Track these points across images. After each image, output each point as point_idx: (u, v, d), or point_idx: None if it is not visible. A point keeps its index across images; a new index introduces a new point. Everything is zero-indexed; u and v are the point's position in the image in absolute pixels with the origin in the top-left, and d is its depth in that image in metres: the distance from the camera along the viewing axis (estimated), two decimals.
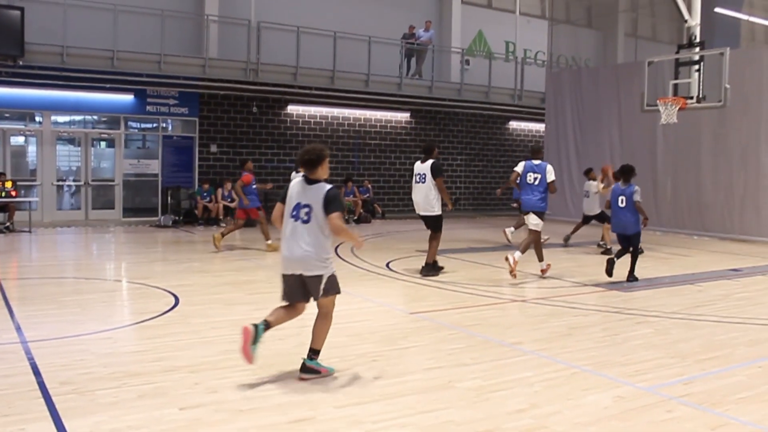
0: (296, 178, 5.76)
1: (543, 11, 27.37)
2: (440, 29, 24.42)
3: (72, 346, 6.49)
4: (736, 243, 16.63)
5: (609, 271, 10.56)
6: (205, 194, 18.55)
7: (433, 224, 11.03)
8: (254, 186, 13.83)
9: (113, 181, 18.94)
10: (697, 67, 14.82)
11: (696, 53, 14.91)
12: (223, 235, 13.53)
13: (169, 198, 18.83)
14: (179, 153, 19.55)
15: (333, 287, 5.69)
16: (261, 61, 19.57)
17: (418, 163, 11.05)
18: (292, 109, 21.01)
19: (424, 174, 10.86)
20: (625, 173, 10.88)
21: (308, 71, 20.35)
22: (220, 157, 19.93)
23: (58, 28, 17.33)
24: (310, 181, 5.64)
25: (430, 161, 10.89)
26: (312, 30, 20.24)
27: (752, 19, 30.12)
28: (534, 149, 11.90)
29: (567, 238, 15.49)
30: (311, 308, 5.87)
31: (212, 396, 5.17)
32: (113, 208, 18.96)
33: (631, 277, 10.82)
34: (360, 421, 4.76)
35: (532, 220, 11.06)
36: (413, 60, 22.95)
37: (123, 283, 10.47)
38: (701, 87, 14.65)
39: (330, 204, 5.49)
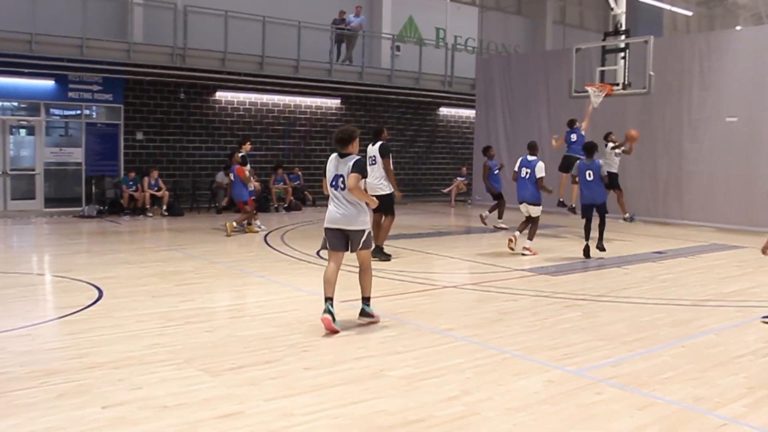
0: (333, 155, 7.03)
1: None
2: (371, 15, 24.29)
3: None
4: (660, 226, 17.08)
5: (587, 253, 11.80)
6: (131, 183, 18.04)
7: (384, 204, 10.77)
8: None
9: (34, 170, 18.24)
10: (622, 54, 15.13)
11: (621, 41, 15.22)
12: (239, 223, 14.33)
13: (93, 187, 18.26)
14: (104, 141, 18.96)
15: (369, 242, 7.02)
16: (188, 46, 19.09)
17: (369, 146, 11.09)
18: (221, 95, 20.61)
19: (375, 156, 10.93)
20: (589, 150, 11.94)
21: (237, 57, 19.97)
22: (146, 145, 19.41)
23: None
24: (342, 155, 6.94)
25: (379, 143, 10.97)
26: (240, 14, 19.86)
27: (674, 9, 30.97)
28: (530, 146, 12.78)
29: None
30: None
31: (137, 393, 5.00)
32: (34, 198, 18.25)
33: (601, 245, 11.85)
34: (290, 414, 4.67)
35: (532, 211, 12.35)
36: (343, 46, 22.76)
37: (44, 276, 10.07)
38: (627, 74, 14.96)
39: (353, 168, 6.79)
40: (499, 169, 15.92)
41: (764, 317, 7.50)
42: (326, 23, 21.99)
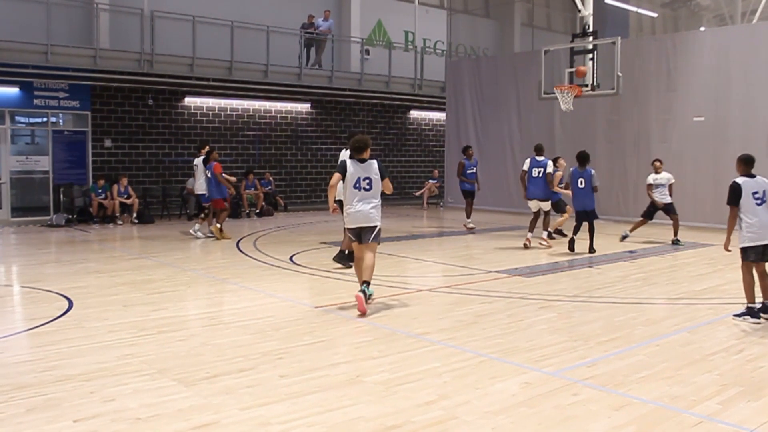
0: (348, 161, 8.04)
1: (441, 1, 27.60)
2: (339, 19, 24.24)
3: None
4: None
5: (571, 247, 12.54)
6: (100, 191, 17.80)
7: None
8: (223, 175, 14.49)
9: None
10: (590, 55, 15.26)
11: (589, 42, 15.34)
12: (219, 229, 14.32)
13: (61, 196, 17.99)
14: (71, 148, 18.68)
15: (378, 237, 8.15)
16: (156, 52, 18.89)
17: (343, 151, 11.13)
18: (190, 101, 20.43)
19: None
20: (582, 159, 12.61)
21: (205, 62, 19.80)
22: (115, 152, 19.18)
23: None
24: (361, 160, 7.99)
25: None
26: (208, 19, 19.71)
27: (639, 10, 31.33)
28: (537, 148, 13.57)
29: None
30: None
31: (109, 405, 4.90)
32: (0, 207, 17.95)
33: (592, 248, 12.52)
34: (266, 423, 4.61)
35: (544, 206, 13.37)
36: (313, 50, 22.69)
37: (11, 287, 9.87)
38: (595, 75, 15.09)
39: (383, 173, 8.11)
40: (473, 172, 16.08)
41: (735, 315, 7.58)
42: (295, 27, 21.90)
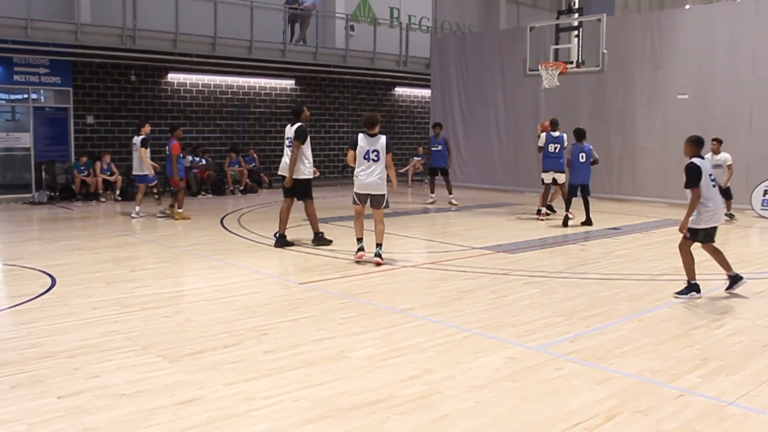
0: (360, 135, 9.27)
1: None
2: None
3: None
4: (615, 203, 17.32)
5: (566, 223, 13.03)
6: (82, 168, 17.65)
7: (302, 190, 10.55)
8: (182, 155, 14.24)
9: None
10: (576, 32, 15.22)
11: (575, 19, 15.30)
12: (174, 207, 13.97)
13: (43, 173, 17.81)
14: (53, 125, 18.48)
15: (387, 203, 9.38)
16: (138, 27, 18.64)
17: (287, 126, 10.63)
18: (173, 77, 20.23)
19: (291, 137, 10.45)
20: (580, 134, 13.14)
21: (188, 38, 19.57)
22: (97, 129, 18.99)
23: None
24: (371, 134, 9.19)
25: (297, 124, 10.42)
26: None
27: None
28: (553, 122, 14.03)
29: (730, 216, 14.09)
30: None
31: (93, 381, 4.90)
32: None
33: (590, 221, 13.07)
34: (251, 398, 4.63)
35: (560, 177, 13.73)
36: (297, 26, 22.49)
37: None
38: (580, 52, 15.06)
39: (389, 147, 9.25)
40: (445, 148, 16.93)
41: (678, 293, 7.60)
42: (279, 3, 21.69)
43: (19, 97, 18.22)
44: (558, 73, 15.01)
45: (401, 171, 23.95)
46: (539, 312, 6.92)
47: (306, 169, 10.47)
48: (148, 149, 14.15)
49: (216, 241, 11.39)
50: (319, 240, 10.77)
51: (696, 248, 7.62)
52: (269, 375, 5.06)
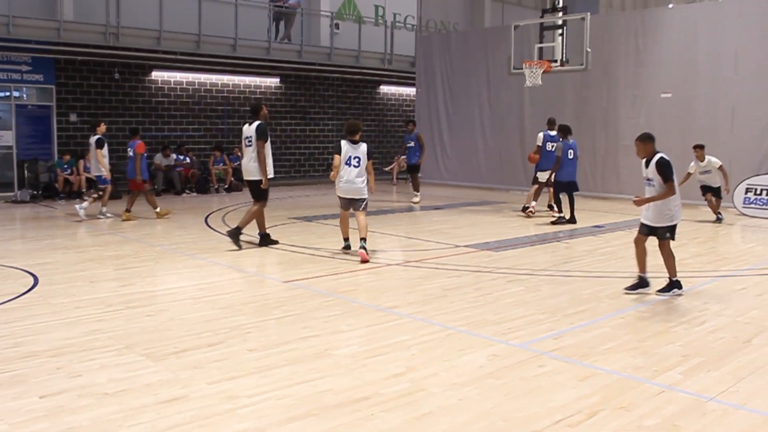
0: (343, 141, 9.60)
1: None
2: None
3: None
4: (599, 201, 17.41)
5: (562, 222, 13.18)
6: (65, 166, 17.54)
7: (256, 191, 10.42)
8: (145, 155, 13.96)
9: None
10: (560, 31, 15.28)
11: (559, 18, 15.34)
12: (156, 209, 13.75)
13: (26, 171, 17.68)
14: (35, 123, 18.34)
15: (366, 206, 9.69)
16: (122, 25, 18.54)
17: (245, 126, 10.38)
18: (157, 75, 20.13)
19: (250, 136, 10.23)
20: (566, 131, 13.30)
21: (172, 35, 19.47)
22: (80, 127, 18.85)
23: None
24: (354, 142, 9.58)
25: (256, 122, 10.22)
26: None
27: None
28: (550, 122, 14.17)
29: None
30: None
31: (76, 380, 4.88)
32: None
33: (573, 219, 13.11)
34: (235, 396, 4.63)
35: (545, 176, 13.90)
36: (282, 24, 22.45)
37: None
38: (564, 50, 15.13)
39: (370, 155, 9.66)
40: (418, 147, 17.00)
41: (626, 289, 7.69)
42: (264, 1, 21.63)
43: (1, 94, 18.06)
44: (542, 71, 15.07)
45: (386, 169, 23.96)
46: (523, 309, 6.95)
47: (266, 171, 10.27)
48: (105, 149, 13.68)
49: (200, 239, 11.36)
50: (266, 240, 10.50)
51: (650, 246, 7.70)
52: (253, 373, 5.06)
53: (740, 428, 4.25)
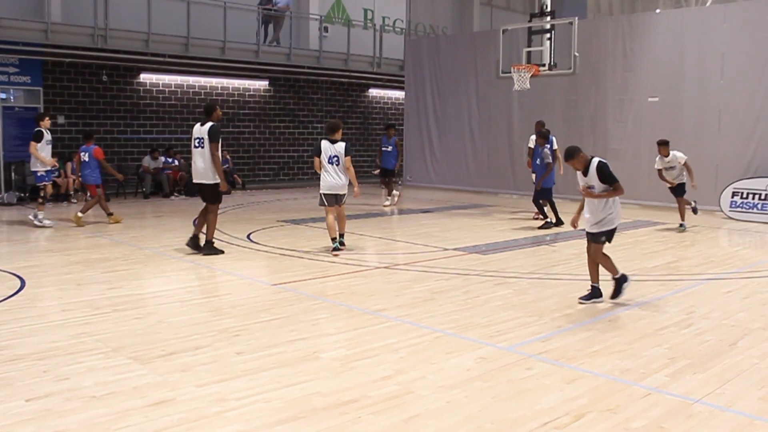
0: (323, 140, 10.11)
1: None
2: None
3: None
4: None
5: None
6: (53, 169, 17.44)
7: (210, 194, 10.19)
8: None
9: None
10: (548, 35, 15.35)
11: (547, 22, 15.41)
12: (83, 212, 13.16)
13: (12, 174, 17.60)
14: (22, 125, 18.22)
15: (345, 199, 10.26)
16: (110, 27, 18.49)
17: (197, 126, 10.12)
18: (145, 77, 20.08)
19: (202, 138, 9.95)
20: (545, 136, 13.47)
21: (161, 38, 19.44)
22: (68, 129, 18.78)
23: None
24: (333, 141, 10.04)
25: (209, 124, 9.97)
26: None
27: None
28: (541, 123, 14.30)
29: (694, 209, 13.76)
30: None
31: (63, 384, 4.86)
32: None
33: (559, 220, 13.27)
34: (223, 399, 4.62)
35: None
36: (271, 27, 22.42)
37: None
38: (552, 54, 15.20)
39: (348, 151, 10.09)
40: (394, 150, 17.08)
41: (581, 299, 7.55)
42: (253, 4, 21.62)
43: None
44: (530, 75, 15.13)
45: (375, 173, 23.94)
46: (511, 312, 6.97)
47: (214, 174, 10.07)
48: (41, 144, 12.96)
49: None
50: (210, 248, 10.16)
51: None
52: (241, 376, 5.05)
53: (726, 430, 4.28)
